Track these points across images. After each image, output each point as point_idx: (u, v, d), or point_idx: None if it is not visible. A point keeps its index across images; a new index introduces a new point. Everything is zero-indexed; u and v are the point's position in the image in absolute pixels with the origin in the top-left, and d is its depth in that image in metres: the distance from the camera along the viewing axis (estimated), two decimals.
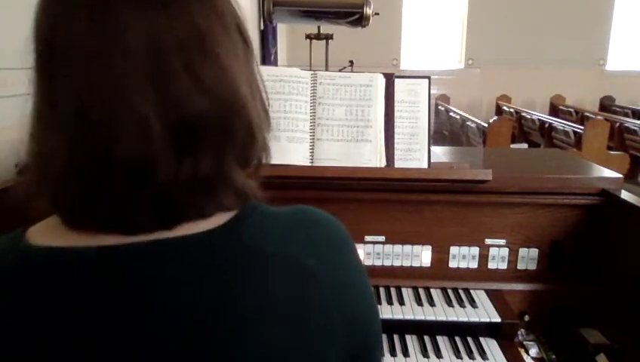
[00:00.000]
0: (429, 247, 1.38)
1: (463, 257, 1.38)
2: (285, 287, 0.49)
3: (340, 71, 1.47)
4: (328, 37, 3.00)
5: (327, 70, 2.17)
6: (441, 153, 1.59)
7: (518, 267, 1.38)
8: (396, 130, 1.33)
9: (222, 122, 0.49)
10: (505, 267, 1.38)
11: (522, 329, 1.31)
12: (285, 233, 0.52)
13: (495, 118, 5.65)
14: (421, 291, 1.34)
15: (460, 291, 1.35)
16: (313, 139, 1.31)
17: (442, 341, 1.24)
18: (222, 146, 0.50)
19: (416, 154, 1.33)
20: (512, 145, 5.58)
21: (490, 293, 1.34)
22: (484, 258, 1.38)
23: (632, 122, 5.65)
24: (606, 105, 7.37)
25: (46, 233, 0.51)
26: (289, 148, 1.29)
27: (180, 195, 0.48)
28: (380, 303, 1.29)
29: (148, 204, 0.47)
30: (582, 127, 4.98)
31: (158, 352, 0.46)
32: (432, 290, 1.35)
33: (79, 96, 0.45)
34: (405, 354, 1.19)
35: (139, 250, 0.47)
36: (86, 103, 0.45)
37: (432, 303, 1.29)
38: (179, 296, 0.46)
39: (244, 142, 0.52)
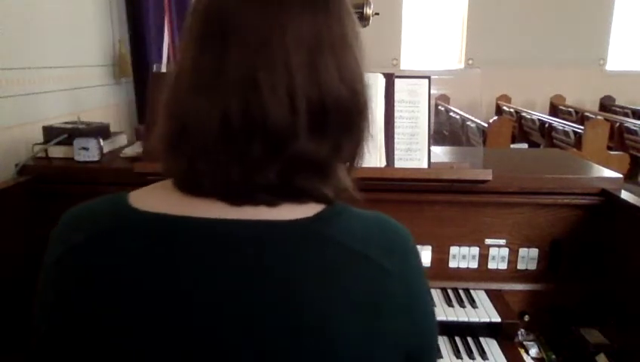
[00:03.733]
0: (429, 247, 1.38)
1: (463, 257, 1.38)
2: (365, 286, 0.52)
3: None
4: None
5: None
6: (441, 153, 1.58)
7: (518, 267, 1.38)
8: (396, 130, 1.32)
9: (350, 112, 0.56)
10: (505, 267, 1.38)
11: (522, 329, 1.31)
12: (370, 236, 0.56)
13: (495, 118, 5.65)
14: None
15: (460, 291, 1.35)
16: None
17: (442, 341, 1.24)
18: (341, 138, 0.56)
19: (416, 154, 1.33)
20: (512, 145, 5.57)
21: (490, 293, 1.34)
22: (484, 258, 1.38)
23: (632, 122, 5.65)
24: (606, 105, 7.36)
25: (150, 198, 0.56)
26: None
27: (299, 173, 0.54)
28: None
29: (273, 173, 0.53)
30: (582, 127, 4.98)
31: (240, 333, 0.49)
32: (432, 290, 1.34)
33: (252, 66, 0.52)
34: None
35: (240, 227, 0.52)
36: (256, 73, 0.52)
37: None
38: (272, 280, 0.50)
39: (358, 138, 0.59)
